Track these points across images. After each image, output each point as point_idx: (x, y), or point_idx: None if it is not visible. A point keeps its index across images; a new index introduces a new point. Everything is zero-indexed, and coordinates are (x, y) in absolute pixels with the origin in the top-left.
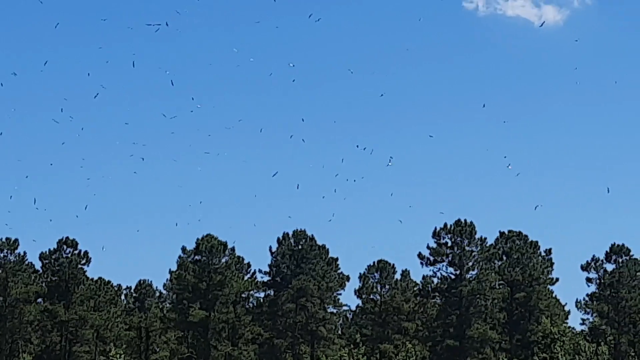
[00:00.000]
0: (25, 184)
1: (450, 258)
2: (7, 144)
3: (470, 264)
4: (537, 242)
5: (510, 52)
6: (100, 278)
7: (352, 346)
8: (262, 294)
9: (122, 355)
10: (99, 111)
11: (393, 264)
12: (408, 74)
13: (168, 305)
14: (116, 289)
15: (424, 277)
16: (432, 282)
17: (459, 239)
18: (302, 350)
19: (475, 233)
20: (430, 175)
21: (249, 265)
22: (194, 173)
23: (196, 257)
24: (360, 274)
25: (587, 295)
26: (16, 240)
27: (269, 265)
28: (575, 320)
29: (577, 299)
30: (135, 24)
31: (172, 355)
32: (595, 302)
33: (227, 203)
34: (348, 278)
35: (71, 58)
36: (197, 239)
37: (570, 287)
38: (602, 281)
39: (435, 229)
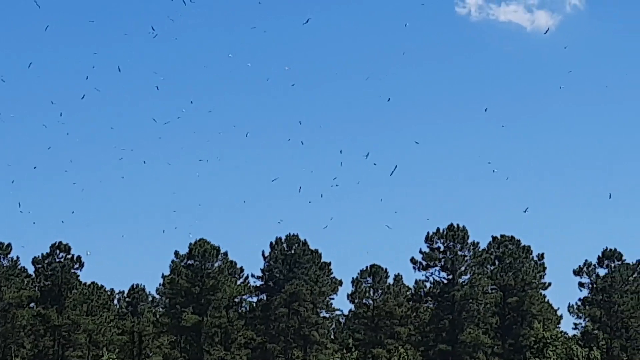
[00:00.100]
0: (14, 187)
1: (442, 263)
2: None
3: (463, 268)
4: (529, 246)
5: (502, 56)
6: (93, 282)
7: (344, 351)
8: (254, 299)
9: None
10: (88, 115)
11: (386, 269)
12: (403, 78)
13: (161, 309)
14: (109, 293)
15: (416, 282)
16: (425, 286)
17: (451, 243)
18: (295, 354)
19: (468, 238)
20: (423, 180)
21: (241, 269)
22: (187, 178)
23: (189, 261)
24: (352, 278)
25: (580, 299)
26: (9, 244)
27: (262, 270)
28: (568, 325)
29: (569, 304)
30: (130, 29)
31: None
32: (587, 307)
33: (219, 208)
34: (341, 282)
35: (60, 61)
36: (190, 244)
37: (563, 292)
38: (595, 286)
39: (428, 233)
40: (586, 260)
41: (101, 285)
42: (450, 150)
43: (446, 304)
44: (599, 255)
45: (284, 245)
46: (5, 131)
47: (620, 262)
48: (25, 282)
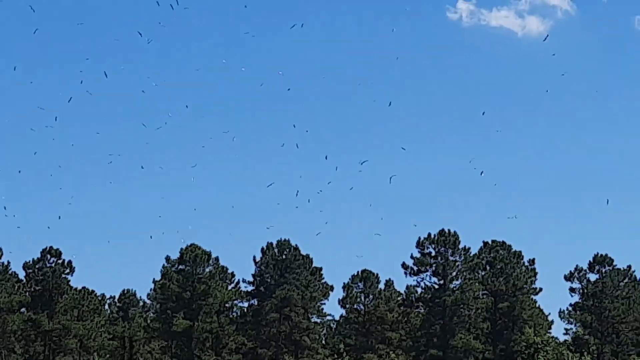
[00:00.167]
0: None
1: (434, 268)
2: None
3: (454, 273)
4: (520, 252)
5: (494, 62)
6: (84, 287)
7: (335, 356)
8: (246, 304)
9: None
10: (76, 119)
11: (377, 274)
12: (396, 83)
13: (152, 314)
14: (100, 298)
15: (407, 287)
16: (416, 291)
17: (442, 248)
18: None
19: (459, 243)
20: (415, 185)
21: (232, 274)
22: (178, 182)
23: (180, 266)
24: (344, 283)
25: (571, 305)
26: (0, 249)
27: (253, 275)
28: (559, 330)
29: (560, 309)
30: (121, 34)
31: None
32: (578, 312)
33: (210, 213)
34: (332, 288)
35: (48, 65)
36: (181, 249)
37: (554, 297)
38: (586, 291)
39: (419, 239)
40: (577, 266)
41: (92, 290)
42: (442, 155)
43: (437, 309)
44: (589, 261)
45: (275, 250)
46: None
47: (611, 268)
48: (16, 287)
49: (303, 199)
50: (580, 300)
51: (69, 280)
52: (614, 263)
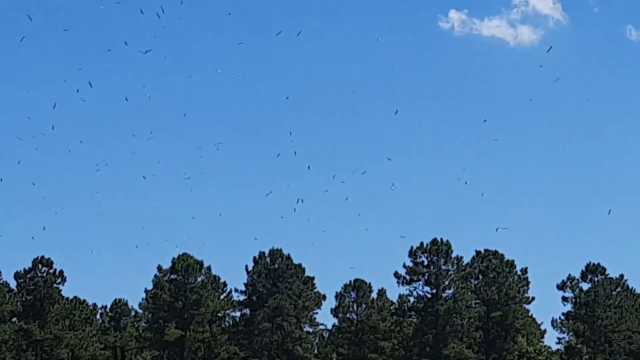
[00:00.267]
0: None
1: (426, 277)
2: None
3: (447, 282)
4: (513, 261)
5: (485, 71)
6: (75, 297)
7: None
8: (238, 313)
9: None
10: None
11: (369, 283)
12: (389, 91)
13: (144, 324)
14: (91, 308)
15: (400, 296)
16: (409, 301)
17: (435, 258)
18: None
19: (452, 252)
20: (406, 194)
21: (225, 284)
22: (170, 192)
23: (172, 276)
24: (336, 292)
25: (563, 314)
26: None
27: (245, 284)
28: (551, 339)
29: (553, 318)
30: (113, 44)
31: None
32: (571, 321)
33: (202, 222)
34: (324, 297)
35: (35, 73)
36: (173, 258)
37: (546, 306)
38: (578, 300)
39: (412, 248)
40: (570, 275)
41: (83, 299)
42: (435, 164)
43: (430, 318)
44: (582, 270)
45: (268, 259)
46: None
47: (603, 277)
48: (7, 296)
49: (291, 209)
50: (572, 310)
51: (61, 290)
52: (607, 272)
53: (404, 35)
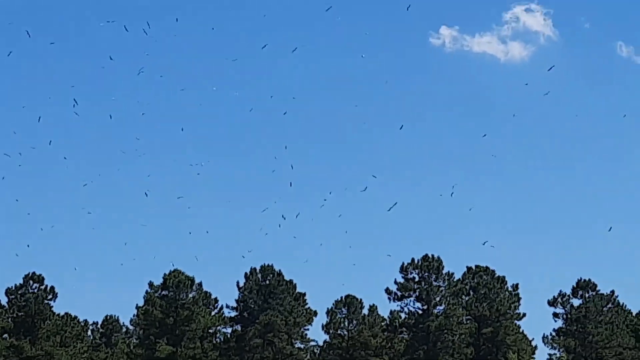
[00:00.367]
0: None
1: (417, 293)
2: None
3: (438, 299)
4: (504, 277)
5: (476, 87)
6: (66, 313)
7: None
8: (229, 329)
9: None
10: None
11: (360, 299)
12: (380, 108)
13: (135, 340)
14: (83, 324)
15: (391, 312)
16: (400, 317)
17: (426, 274)
18: None
19: (443, 268)
20: (397, 210)
21: (216, 300)
22: (163, 208)
23: (163, 292)
24: (327, 309)
25: (554, 330)
26: None
27: (237, 301)
28: (542, 356)
29: (544, 334)
30: (106, 62)
31: None
32: (562, 337)
33: (193, 238)
34: (315, 313)
35: (22, 89)
36: (164, 274)
37: (537, 322)
38: (569, 316)
39: (403, 264)
40: (560, 291)
41: (75, 316)
42: (425, 180)
43: (421, 334)
44: (573, 286)
45: (259, 275)
46: None
47: (594, 293)
48: None
49: (284, 225)
50: (563, 326)
51: (52, 306)
52: (598, 288)
53: (395, 52)
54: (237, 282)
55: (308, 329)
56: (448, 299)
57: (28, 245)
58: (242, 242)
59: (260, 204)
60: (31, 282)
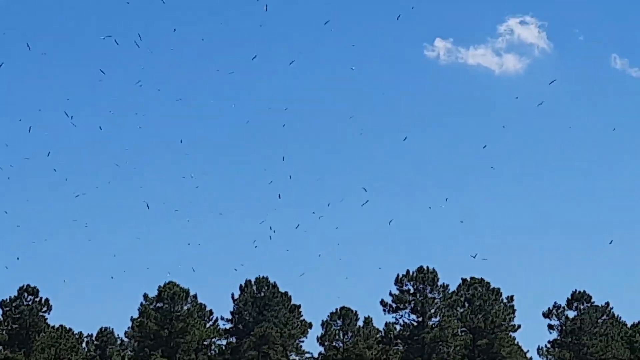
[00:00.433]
0: None
1: (412, 305)
2: None
3: (433, 310)
4: (499, 288)
5: (471, 100)
6: (61, 326)
7: None
8: (224, 342)
9: None
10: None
11: (355, 311)
12: (375, 120)
13: (130, 353)
14: (77, 336)
15: (386, 324)
16: (395, 329)
17: (421, 286)
18: None
19: (438, 280)
20: (393, 222)
21: (211, 312)
22: (159, 220)
23: (158, 304)
24: (322, 321)
25: (549, 342)
26: None
27: (231, 313)
28: None
29: (539, 346)
30: (104, 74)
31: None
32: (557, 349)
33: (188, 250)
34: (310, 325)
35: (17, 102)
36: (159, 286)
37: (532, 334)
38: (564, 328)
39: (398, 276)
40: (555, 303)
41: (69, 328)
42: (419, 192)
43: (416, 346)
44: (568, 298)
45: (254, 287)
46: None
47: (589, 305)
48: None
49: (278, 237)
50: (558, 337)
51: (46, 319)
52: (592, 300)
53: (390, 64)
54: (232, 294)
55: (303, 341)
56: (443, 310)
57: (18, 258)
58: (237, 254)
59: (257, 216)
60: (26, 294)
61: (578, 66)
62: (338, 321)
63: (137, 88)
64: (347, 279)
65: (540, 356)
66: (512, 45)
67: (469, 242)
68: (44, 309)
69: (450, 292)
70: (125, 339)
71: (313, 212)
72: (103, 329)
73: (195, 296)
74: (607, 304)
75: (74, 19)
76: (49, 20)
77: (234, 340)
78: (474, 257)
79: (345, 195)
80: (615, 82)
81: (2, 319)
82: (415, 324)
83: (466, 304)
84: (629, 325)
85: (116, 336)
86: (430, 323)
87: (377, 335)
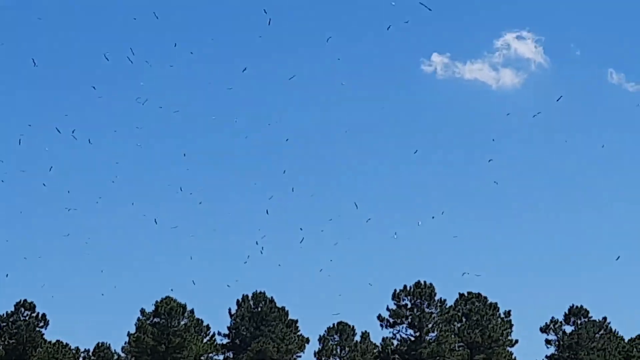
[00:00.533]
0: None
1: (409, 320)
2: None
3: (430, 325)
4: (496, 303)
5: (468, 115)
6: (58, 341)
7: None
8: (221, 357)
9: None
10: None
11: (353, 326)
12: (371, 136)
13: None
14: (74, 351)
15: (383, 339)
16: (392, 344)
17: (418, 300)
18: None
19: (435, 295)
20: (389, 237)
21: (208, 327)
22: (160, 235)
23: (155, 319)
24: (320, 336)
25: (547, 357)
26: None
27: (229, 328)
28: None
29: None
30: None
31: None
32: None
33: (186, 264)
34: (308, 340)
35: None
36: (156, 301)
37: (530, 349)
38: (561, 343)
39: (395, 290)
40: (553, 317)
41: (66, 343)
42: (415, 207)
43: None
44: (565, 312)
45: (251, 302)
46: None
47: (586, 319)
48: None
49: (273, 252)
50: (556, 352)
51: (43, 334)
52: (590, 315)
53: (387, 78)
54: (229, 309)
55: (300, 356)
56: (440, 325)
57: (7, 275)
58: (234, 269)
59: (257, 232)
60: (22, 309)
61: (575, 81)
62: (335, 336)
63: (136, 103)
64: (345, 293)
65: None
66: (509, 60)
67: (466, 257)
68: (41, 324)
69: (447, 307)
70: (122, 354)
71: (301, 230)
72: (100, 344)
73: (192, 311)
74: (605, 318)
75: (70, 35)
76: (52, 36)
77: (231, 356)
78: (467, 274)
79: (342, 211)
80: (612, 97)
81: None
82: (412, 339)
83: (463, 319)
84: (626, 340)
85: (113, 351)
86: (428, 338)
87: (375, 350)
